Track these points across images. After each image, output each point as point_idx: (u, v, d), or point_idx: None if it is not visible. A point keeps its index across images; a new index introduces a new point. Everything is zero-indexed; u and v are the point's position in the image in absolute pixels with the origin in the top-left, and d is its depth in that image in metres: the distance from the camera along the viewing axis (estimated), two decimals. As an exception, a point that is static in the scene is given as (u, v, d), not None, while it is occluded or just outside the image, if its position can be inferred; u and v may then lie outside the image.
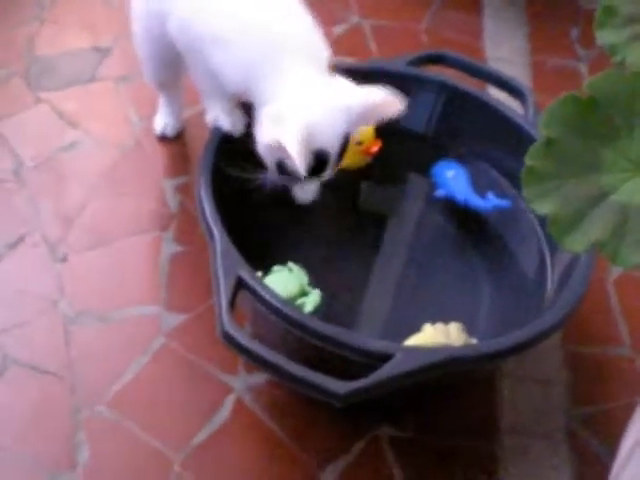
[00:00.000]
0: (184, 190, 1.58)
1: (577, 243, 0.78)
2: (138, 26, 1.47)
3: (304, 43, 1.29)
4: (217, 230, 1.19)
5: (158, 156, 1.64)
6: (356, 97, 1.25)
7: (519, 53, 1.95)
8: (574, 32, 2.02)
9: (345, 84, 1.27)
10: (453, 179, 1.45)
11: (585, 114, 0.79)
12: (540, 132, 0.80)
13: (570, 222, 0.78)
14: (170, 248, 1.49)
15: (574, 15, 2.06)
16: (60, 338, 1.36)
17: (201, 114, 1.64)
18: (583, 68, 1.93)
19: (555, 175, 0.79)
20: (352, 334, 1.13)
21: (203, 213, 1.22)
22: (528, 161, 0.80)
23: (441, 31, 1.98)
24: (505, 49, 1.95)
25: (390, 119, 1.26)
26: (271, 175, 1.28)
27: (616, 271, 1.51)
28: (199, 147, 1.61)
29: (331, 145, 1.24)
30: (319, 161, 1.25)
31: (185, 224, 1.53)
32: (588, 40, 1.99)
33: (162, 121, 1.65)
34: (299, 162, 1.18)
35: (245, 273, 1.14)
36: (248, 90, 1.29)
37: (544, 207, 0.79)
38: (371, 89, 1.25)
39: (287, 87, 1.24)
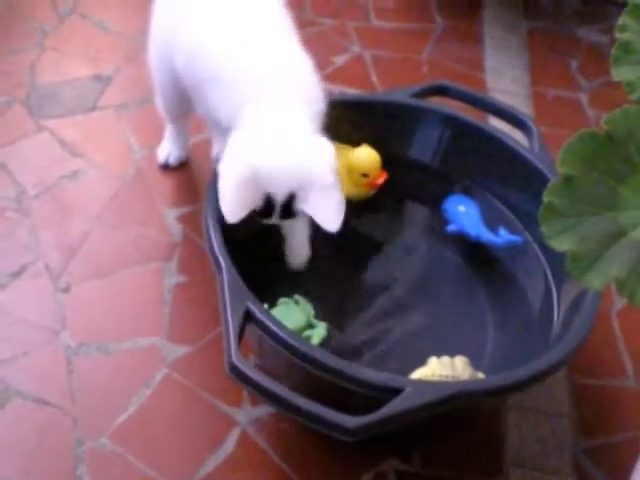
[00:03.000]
0: (187, 219, 1.57)
1: (596, 280, 0.78)
2: (152, 53, 1.46)
3: (296, 95, 1.26)
4: (225, 262, 1.18)
5: (160, 185, 1.63)
6: (319, 169, 1.22)
7: (520, 84, 1.96)
8: (574, 63, 2.04)
9: (320, 148, 1.24)
10: (465, 214, 1.44)
11: (603, 150, 0.79)
12: (557, 169, 0.80)
13: (589, 259, 0.78)
14: (173, 278, 1.48)
15: (574, 46, 2.08)
16: (62, 369, 1.35)
17: (204, 143, 1.64)
18: (584, 99, 1.93)
19: (573, 212, 0.79)
20: (361, 368, 1.12)
21: (210, 244, 1.21)
22: (546, 197, 0.79)
23: (442, 62, 1.99)
24: (506, 80, 1.96)
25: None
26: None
27: (620, 303, 1.51)
28: (201, 177, 1.62)
29: (275, 194, 1.23)
30: (267, 205, 1.24)
31: (188, 254, 1.52)
32: (588, 71, 2.00)
33: (166, 150, 1.64)
34: (223, 197, 1.17)
35: (253, 306, 1.12)
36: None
37: (563, 244, 0.78)
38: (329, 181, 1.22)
39: (259, 126, 1.23)
